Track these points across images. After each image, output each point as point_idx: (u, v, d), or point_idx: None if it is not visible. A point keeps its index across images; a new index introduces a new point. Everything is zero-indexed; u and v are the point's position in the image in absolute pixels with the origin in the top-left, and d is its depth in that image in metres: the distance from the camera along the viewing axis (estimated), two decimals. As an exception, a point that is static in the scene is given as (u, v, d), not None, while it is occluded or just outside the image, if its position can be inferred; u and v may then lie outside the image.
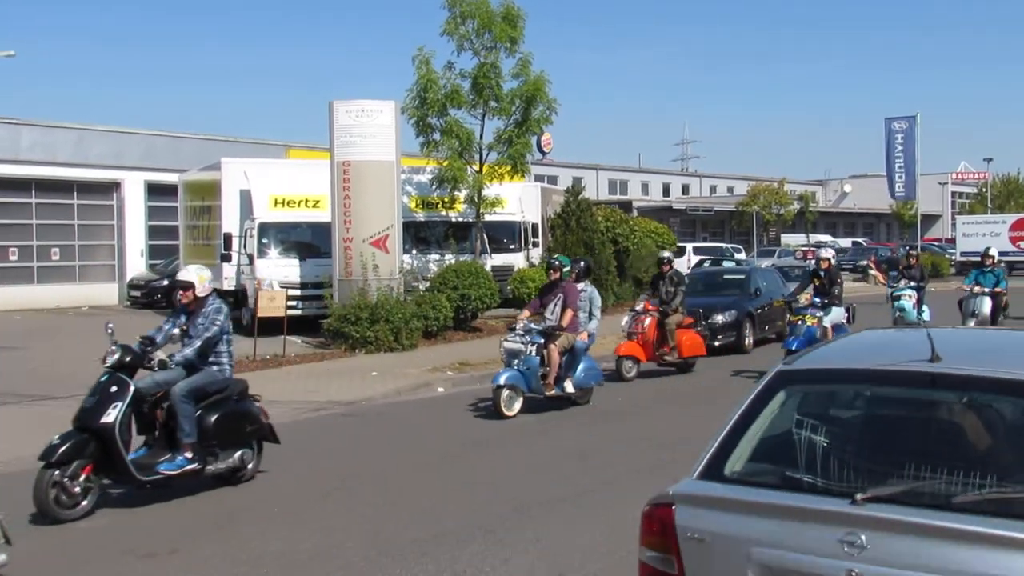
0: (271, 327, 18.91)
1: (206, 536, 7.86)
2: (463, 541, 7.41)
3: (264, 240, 22.26)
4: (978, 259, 22.64)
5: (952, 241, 53.69)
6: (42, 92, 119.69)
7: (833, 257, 16.39)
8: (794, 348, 13.61)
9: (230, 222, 23.12)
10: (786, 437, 4.08)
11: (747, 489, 3.89)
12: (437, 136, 22.72)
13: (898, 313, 18.44)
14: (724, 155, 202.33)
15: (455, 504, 8.53)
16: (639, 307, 16.61)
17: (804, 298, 15.73)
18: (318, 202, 22.26)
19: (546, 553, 7.12)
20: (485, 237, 25.06)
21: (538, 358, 12.84)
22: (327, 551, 7.30)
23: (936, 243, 59.03)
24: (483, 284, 21.61)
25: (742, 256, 47.77)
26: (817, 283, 15.72)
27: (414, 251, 24.03)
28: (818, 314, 15.12)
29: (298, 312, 21.58)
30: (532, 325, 13.15)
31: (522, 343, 12.83)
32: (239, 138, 36.60)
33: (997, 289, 18.53)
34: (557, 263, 13.47)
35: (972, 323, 17.75)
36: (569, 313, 12.93)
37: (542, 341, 12.90)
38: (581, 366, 13.27)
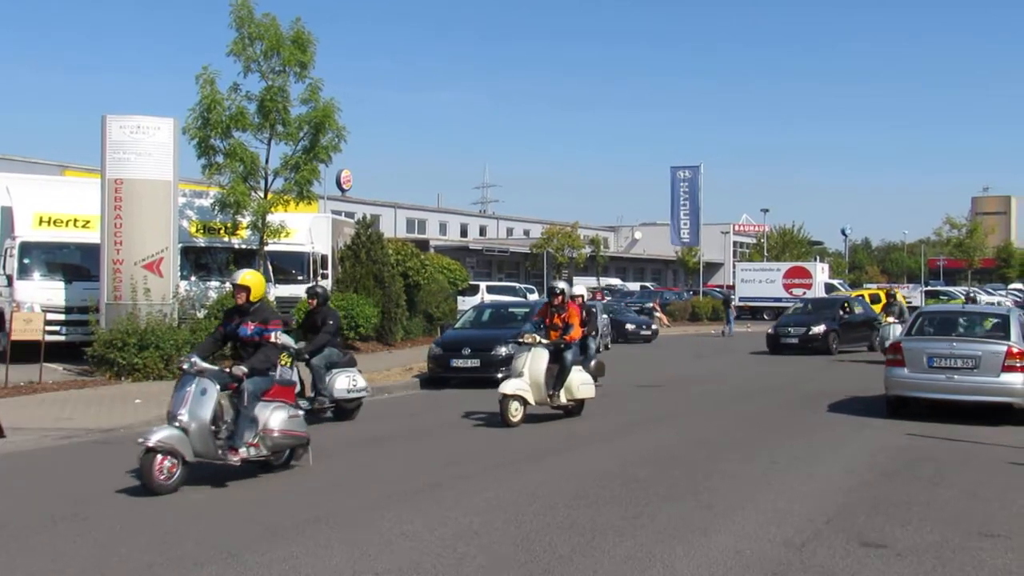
0: (31, 353, 17.57)
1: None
2: (200, 564, 6.90)
3: (26, 260, 20.71)
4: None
5: (733, 287, 56.49)
6: None
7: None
8: None
9: (-13, 242, 21.44)
10: (922, 326, 15.86)
11: (919, 336, 15.42)
12: (220, 159, 21.80)
13: None
14: (522, 199, 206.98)
15: (200, 529, 7.96)
16: None
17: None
18: (88, 222, 20.96)
19: (294, 572, 6.73)
20: (269, 265, 24.29)
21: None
22: (46, 577, 6.65)
23: (718, 288, 61.99)
24: (264, 312, 20.84)
25: (535, 296, 48.51)
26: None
27: (193, 277, 22.99)
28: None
29: (62, 338, 20.24)
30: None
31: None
32: (7, 155, 34.22)
33: None
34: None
35: None
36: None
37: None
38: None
